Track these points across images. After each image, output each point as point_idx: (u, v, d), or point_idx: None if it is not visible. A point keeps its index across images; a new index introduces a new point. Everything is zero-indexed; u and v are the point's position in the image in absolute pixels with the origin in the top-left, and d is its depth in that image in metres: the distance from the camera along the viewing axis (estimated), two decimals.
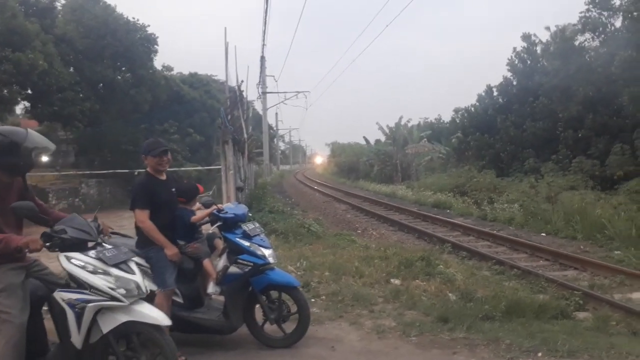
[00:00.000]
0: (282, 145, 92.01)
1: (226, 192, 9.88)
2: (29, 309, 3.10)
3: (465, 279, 6.84)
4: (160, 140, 4.39)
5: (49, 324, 3.41)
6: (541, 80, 22.93)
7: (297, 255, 8.14)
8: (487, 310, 5.34)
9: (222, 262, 4.39)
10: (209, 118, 28.72)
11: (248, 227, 4.46)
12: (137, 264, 4.02)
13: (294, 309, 4.49)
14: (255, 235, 4.41)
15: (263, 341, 4.43)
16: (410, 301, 5.77)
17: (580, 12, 21.32)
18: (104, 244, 3.35)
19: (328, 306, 5.66)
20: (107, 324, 3.11)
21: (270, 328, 4.49)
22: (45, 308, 3.42)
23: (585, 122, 19.99)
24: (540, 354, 4.31)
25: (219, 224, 4.34)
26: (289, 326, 4.48)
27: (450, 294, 6.03)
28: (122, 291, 3.08)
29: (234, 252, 4.31)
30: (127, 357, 3.20)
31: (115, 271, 3.13)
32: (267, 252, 4.33)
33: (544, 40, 24.53)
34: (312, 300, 5.79)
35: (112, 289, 3.06)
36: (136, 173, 19.05)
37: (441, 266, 7.50)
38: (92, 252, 3.17)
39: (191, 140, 27.44)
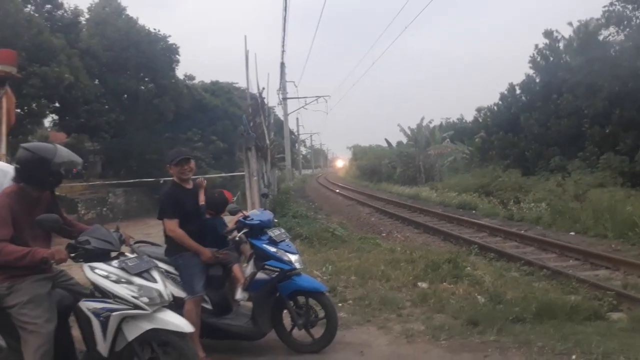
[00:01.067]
0: (303, 150, 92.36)
1: (250, 198, 9.95)
2: (56, 319, 3.18)
3: (493, 281, 6.73)
4: (183, 149, 4.46)
5: (76, 333, 3.48)
6: (565, 76, 22.52)
7: (322, 260, 8.14)
8: (517, 313, 5.24)
9: (249, 268, 4.42)
10: (232, 125, 29.05)
11: (274, 233, 4.48)
12: (166, 271, 4.11)
13: (321, 314, 4.48)
14: (281, 241, 4.43)
15: (291, 347, 4.45)
16: (439, 304, 5.71)
17: (604, 7, 20.95)
18: (126, 253, 3.42)
19: (355, 311, 5.64)
20: (132, 332, 3.17)
21: (298, 333, 4.49)
22: (72, 317, 3.49)
23: (612, 117, 19.55)
24: (574, 357, 4.20)
25: (245, 230, 4.38)
26: (317, 331, 4.48)
27: (479, 297, 5.94)
28: (145, 299, 3.14)
29: (261, 258, 4.33)
30: None
31: (137, 280, 3.19)
32: (293, 258, 4.35)
33: (566, 36, 24.13)
34: (339, 304, 5.77)
35: (135, 297, 3.12)
36: (161, 181, 19.37)
37: (469, 268, 7.40)
38: (115, 262, 3.24)
39: (214, 147, 27.81)
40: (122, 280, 3.16)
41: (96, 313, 3.14)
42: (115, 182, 22.10)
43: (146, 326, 3.17)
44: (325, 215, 17.50)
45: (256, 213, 4.73)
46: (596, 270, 8.44)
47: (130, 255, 3.40)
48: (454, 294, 6.13)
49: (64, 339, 3.33)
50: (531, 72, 25.51)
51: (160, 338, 3.26)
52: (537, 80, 25.21)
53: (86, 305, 3.19)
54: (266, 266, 4.29)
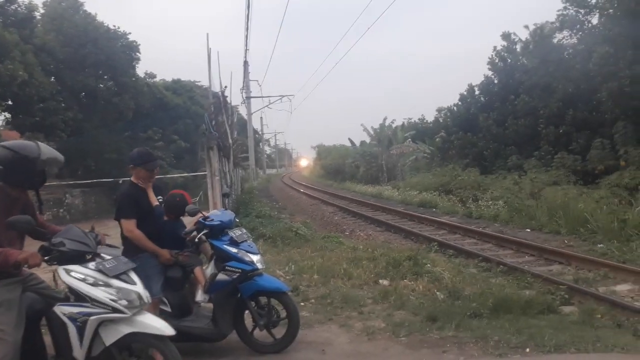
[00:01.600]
0: (267, 150, 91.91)
1: (212, 199, 9.85)
2: (24, 325, 3.06)
3: (452, 277, 6.89)
4: (151, 152, 4.38)
5: (46, 338, 3.35)
6: (522, 78, 23.23)
7: (285, 259, 8.16)
8: (474, 308, 5.39)
9: (210, 269, 4.38)
10: (194, 124, 28.65)
11: (235, 233, 4.45)
12: None
13: (283, 314, 4.49)
14: (242, 242, 4.41)
15: (253, 347, 4.43)
16: (399, 301, 5.81)
17: (558, 10, 21.66)
18: (102, 254, 3.29)
19: (317, 309, 5.68)
20: (110, 337, 3.06)
21: (260, 334, 4.49)
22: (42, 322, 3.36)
23: (565, 118, 20.30)
24: (528, 350, 4.37)
25: (205, 231, 4.33)
26: (279, 331, 4.48)
27: (438, 293, 6.08)
28: (124, 302, 3.03)
29: (222, 259, 4.30)
30: None
31: (116, 282, 3.08)
32: (255, 258, 4.33)
33: (523, 38, 24.87)
34: (302, 304, 5.80)
35: (113, 300, 3.00)
36: (120, 182, 18.92)
37: (428, 265, 7.54)
38: (91, 264, 3.12)
39: (176, 147, 27.36)
40: (100, 283, 3.04)
41: (72, 318, 3.01)
42: (72, 182, 21.41)
43: (125, 330, 3.05)
44: (289, 215, 17.47)
45: (217, 213, 4.69)
46: (550, 265, 8.75)
47: (107, 257, 3.27)
48: (414, 290, 6.25)
49: (35, 345, 3.21)
50: (490, 73, 26.18)
51: (139, 341, 3.15)
52: (496, 81, 25.87)
53: (61, 309, 3.06)
54: (227, 267, 4.26)
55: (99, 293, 3.01)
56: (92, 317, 3.00)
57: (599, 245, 9.71)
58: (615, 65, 16.53)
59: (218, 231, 4.36)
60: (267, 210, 15.30)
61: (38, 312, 3.22)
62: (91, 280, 3.04)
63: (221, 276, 4.27)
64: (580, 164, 18.33)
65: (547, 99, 21.23)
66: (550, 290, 6.77)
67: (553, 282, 7.17)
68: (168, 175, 22.15)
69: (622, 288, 7.10)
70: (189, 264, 4.34)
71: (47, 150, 3.21)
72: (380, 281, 6.77)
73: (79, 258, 3.13)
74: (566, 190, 14.24)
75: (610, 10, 17.71)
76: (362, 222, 16.23)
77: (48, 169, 3.22)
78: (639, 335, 5.10)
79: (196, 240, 4.32)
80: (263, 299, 4.51)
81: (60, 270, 3.07)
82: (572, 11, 21.13)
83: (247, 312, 4.48)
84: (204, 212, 4.53)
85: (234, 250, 4.29)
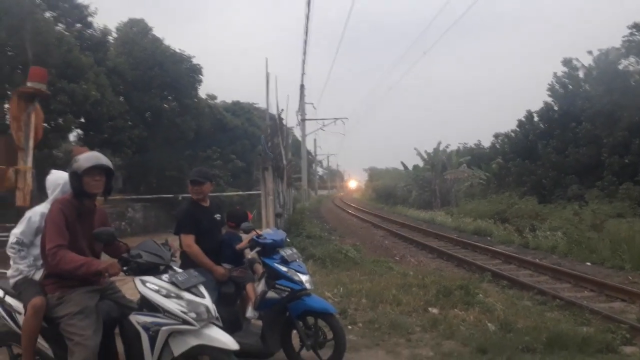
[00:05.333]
0: (320, 171, 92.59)
1: (265, 218, 10.10)
2: (102, 331, 3.21)
3: (505, 309, 6.71)
4: (203, 170, 4.64)
5: (119, 345, 3.50)
6: (584, 105, 22.43)
7: (334, 282, 8.19)
8: (527, 342, 5.23)
9: (260, 286, 4.52)
10: (250, 145, 29.39)
11: (286, 252, 4.58)
12: None
13: (330, 335, 4.53)
14: (292, 261, 4.52)
15: None
16: (448, 331, 5.71)
17: (624, 36, 20.92)
18: (174, 267, 3.43)
19: (365, 334, 5.68)
20: (178, 347, 3.16)
21: (306, 354, 4.54)
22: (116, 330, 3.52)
23: (631, 147, 19.37)
24: None
25: (258, 249, 4.49)
26: (325, 353, 4.52)
27: (489, 324, 5.93)
28: (193, 315, 3.14)
29: (272, 277, 4.43)
30: None
31: (187, 295, 3.20)
32: (304, 278, 4.43)
33: (586, 64, 24.09)
34: (349, 327, 5.81)
35: (184, 312, 3.12)
36: (180, 198, 19.67)
37: (480, 295, 7.38)
38: (165, 276, 3.25)
39: (233, 166, 28.14)
40: (172, 294, 3.17)
41: (145, 327, 3.16)
42: (134, 197, 22.46)
43: (193, 342, 3.16)
44: (339, 237, 17.52)
45: (269, 232, 4.85)
46: (611, 302, 8.33)
47: (179, 270, 3.42)
48: (464, 320, 6.13)
49: (109, 352, 3.36)
50: (549, 99, 25.45)
51: (206, 354, 3.25)
52: (556, 108, 25.11)
53: (136, 318, 3.21)
54: (277, 285, 4.38)
55: (171, 305, 3.14)
56: (163, 328, 3.13)
57: None
58: None
59: (270, 249, 4.51)
60: (317, 231, 15.44)
61: (114, 320, 3.38)
62: (164, 292, 3.17)
63: (271, 294, 4.39)
64: None
65: (612, 127, 20.36)
66: (611, 329, 6.41)
67: (614, 320, 6.82)
68: (224, 193, 22.77)
69: None
70: (242, 280, 4.50)
71: (83, 160, 3.32)
72: (430, 309, 6.67)
73: (154, 269, 3.28)
74: (631, 223, 13.53)
75: None
76: (413, 248, 16.03)
77: (87, 180, 3.29)
78: None
79: (249, 256, 4.48)
80: (311, 320, 4.58)
81: (137, 281, 3.23)
82: (638, 37, 20.32)
83: (294, 331, 4.56)
84: (257, 231, 4.70)
85: (284, 268, 4.41)
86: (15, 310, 3.42)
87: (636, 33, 20.41)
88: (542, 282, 9.84)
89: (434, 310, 6.60)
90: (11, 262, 3.59)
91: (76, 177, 3.31)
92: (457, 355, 4.94)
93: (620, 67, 21.76)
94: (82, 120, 20.78)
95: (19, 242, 3.56)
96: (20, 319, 3.35)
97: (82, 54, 19.22)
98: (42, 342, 3.34)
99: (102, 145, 22.24)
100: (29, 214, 3.68)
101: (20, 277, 3.52)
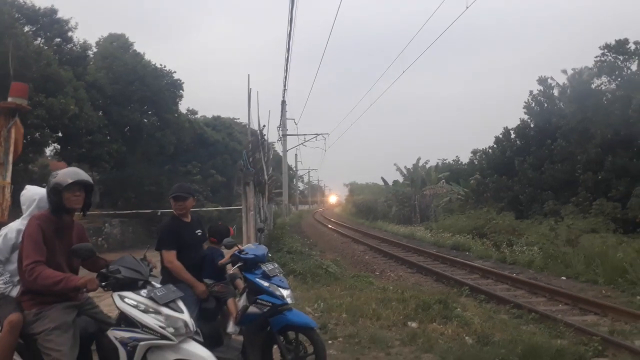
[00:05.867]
0: (301, 186, 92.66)
1: (246, 233, 10.12)
2: (79, 347, 3.22)
3: (482, 323, 6.85)
4: (184, 186, 4.67)
5: None
6: (559, 122, 23.00)
7: (314, 297, 8.24)
8: (503, 355, 5.34)
9: (241, 302, 4.55)
10: (231, 159, 29.40)
11: (267, 267, 4.62)
12: None
13: (310, 350, 4.56)
14: (274, 276, 4.56)
15: None
16: (427, 344, 5.80)
17: (596, 57, 21.62)
18: (153, 282, 3.45)
19: (345, 348, 5.73)
20: None
21: None
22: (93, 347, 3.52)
23: (604, 164, 19.88)
24: None
25: (240, 264, 4.53)
26: None
27: (467, 338, 6.05)
28: (172, 330, 3.16)
29: (254, 292, 4.46)
30: None
31: (165, 310, 3.22)
32: (285, 293, 4.47)
33: (560, 83, 24.78)
34: (329, 342, 5.86)
35: (162, 327, 3.15)
36: (159, 213, 19.50)
37: (459, 309, 7.51)
38: (143, 292, 3.28)
39: (213, 181, 28.07)
40: (150, 310, 3.20)
41: (123, 342, 3.17)
42: (112, 212, 22.20)
43: (171, 357, 3.18)
44: (320, 252, 17.56)
45: (251, 247, 4.88)
46: (584, 315, 8.53)
47: (157, 285, 3.44)
48: (442, 334, 6.23)
49: None
50: (526, 117, 26.04)
51: None
52: (532, 125, 25.69)
53: (114, 334, 3.23)
54: (258, 300, 4.41)
55: (149, 320, 3.16)
56: (141, 343, 3.15)
57: (638, 297, 9.41)
58: None
59: (251, 264, 4.54)
60: (298, 246, 15.47)
61: (90, 336, 3.40)
62: (142, 307, 3.20)
63: (252, 309, 4.42)
64: (620, 212, 17.78)
65: (585, 144, 20.90)
66: (584, 341, 6.60)
67: (587, 333, 7.00)
68: (203, 209, 22.67)
69: None
70: (224, 295, 4.52)
71: (57, 175, 3.36)
72: (409, 323, 6.76)
73: (132, 285, 3.30)
74: (605, 238, 13.88)
75: None
76: (393, 263, 16.15)
77: (68, 196, 3.30)
78: None
79: (230, 271, 4.51)
80: (291, 334, 4.61)
81: (115, 296, 3.25)
82: (610, 57, 21.03)
83: (275, 346, 4.59)
84: (239, 246, 4.75)
85: (265, 284, 4.44)
86: None
87: (607, 53, 21.12)
88: (518, 296, 10.02)
89: (413, 324, 6.69)
90: None
91: (56, 193, 3.32)
92: None
93: (593, 86, 22.45)
94: (60, 134, 20.55)
95: None
96: None
97: (61, 68, 19.11)
98: (17, 359, 3.32)
99: (80, 160, 22.02)
100: (4, 230, 3.66)
101: None
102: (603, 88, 22.21)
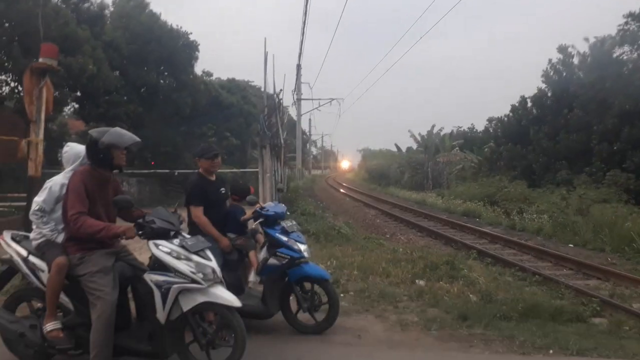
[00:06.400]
0: (314, 150, 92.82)
1: (262, 194, 10.46)
2: (118, 289, 3.62)
3: (487, 283, 7.16)
4: (213, 146, 5.00)
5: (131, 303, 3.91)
6: (577, 92, 22.73)
7: (327, 255, 8.62)
8: (504, 311, 5.68)
9: (262, 254, 4.92)
10: (245, 123, 29.58)
11: (286, 224, 4.97)
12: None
13: (325, 299, 4.96)
14: (292, 232, 4.92)
15: (296, 327, 4.92)
16: (433, 300, 6.15)
17: (619, 25, 21.16)
18: (183, 233, 3.81)
19: (356, 301, 6.11)
20: (187, 304, 3.55)
21: (303, 316, 4.97)
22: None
23: (621, 135, 19.74)
24: (551, 351, 4.64)
25: (261, 220, 4.87)
26: (320, 315, 4.95)
27: (471, 295, 6.38)
28: (201, 275, 3.51)
29: (273, 245, 4.82)
30: (203, 333, 3.67)
31: (195, 257, 3.58)
32: (302, 247, 4.83)
33: (581, 51, 24.32)
34: (341, 295, 6.21)
35: (193, 272, 3.50)
36: (176, 173, 19.95)
37: (465, 270, 7.82)
38: (175, 241, 3.64)
39: (228, 143, 28.36)
40: (182, 257, 3.54)
41: (158, 285, 3.52)
42: (130, 171, 22.68)
43: (200, 299, 3.53)
44: (332, 215, 17.94)
45: (271, 205, 5.23)
46: (587, 280, 8.82)
47: (187, 235, 3.82)
48: (448, 292, 6.56)
49: (122, 307, 3.72)
50: (543, 85, 25.74)
51: (211, 310, 3.67)
52: (549, 94, 25.40)
53: (150, 277, 3.58)
54: (277, 253, 4.77)
55: (182, 265, 3.52)
56: (174, 286, 3.51)
57: None
58: None
59: (272, 221, 4.89)
60: (311, 208, 15.83)
61: (127, 280, 3.78)
62: (175, 254, 3.56)
63: (272, 261, 4.79)
64: (633, 183, 17.82)
65: (603, 114, 20.71)
66: (583, 302, 6.91)
67: (587, 295, 7.30)
68: (218, 171, 23.02)
69: None
70: (245, 248, 4.89)
71: (113, 134, 3.73)
72: (417, 281, 7.11)
73: (165, 234, 3.65)
74: (615, 208, 13.99)
75: None
76: (404, 227, 16.49)
77: (114, 151, 3.70)
78: None
79: (252, 226, 4.86)
80: (307, 285, 5.00)
81: (151, 244, 3.61)
82: (634, 26, 20.57)
83: (292, 296, 4.97)
84: (261, 203, 5.08)
85: (284, 238, 4.80)
86: (38, 268, 3.77)
87: (631, 22, 20.65)
88: (524, 261, 10.31)
89: (421, 282, 7.03)
90: (34, 227, 3.92)
91: (107, 152, 3.68)
92: (440, 320, 5.37)
93: (615, 55, 22.04)
94: (78, 93, 20.87)
95: (41, 210, 3.87)
96: (44, 276, 3.71)
97: (78, 27, 19.18)
98: (63, 297, 3.72)
99: (98, 120, 22.38)
100: (49, 183, 3.99)
101: (43, 239, 3.85)
102: (625, 58, 21.80)
